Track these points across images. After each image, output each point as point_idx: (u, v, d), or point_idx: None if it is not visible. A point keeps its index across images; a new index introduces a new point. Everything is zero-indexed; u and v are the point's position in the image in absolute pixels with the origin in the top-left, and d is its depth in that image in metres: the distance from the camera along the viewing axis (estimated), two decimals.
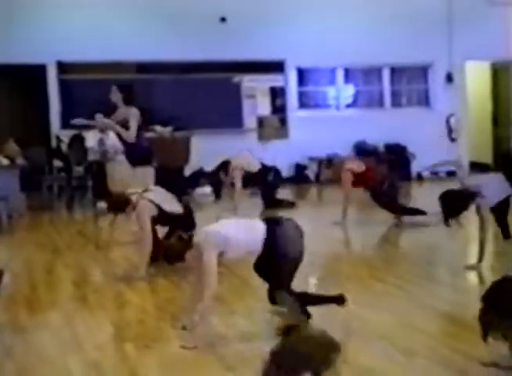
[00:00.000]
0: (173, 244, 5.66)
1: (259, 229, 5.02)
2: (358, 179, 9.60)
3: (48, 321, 5.67)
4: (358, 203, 12.73)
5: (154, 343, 4.97)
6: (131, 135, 8.83)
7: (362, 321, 5.17)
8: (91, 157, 12.36)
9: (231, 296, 6.18)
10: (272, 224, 5.08)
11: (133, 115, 8.85)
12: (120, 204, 7.23)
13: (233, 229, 5.03)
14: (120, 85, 9.17)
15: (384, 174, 9.74)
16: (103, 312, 5.87)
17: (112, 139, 12.49)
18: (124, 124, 8.85)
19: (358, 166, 9.68)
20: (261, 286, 6.58)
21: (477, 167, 16.90)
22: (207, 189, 13.60)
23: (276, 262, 5.00)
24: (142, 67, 14.64)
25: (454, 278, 6.79)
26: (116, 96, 9.04)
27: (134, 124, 8.80)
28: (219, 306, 5.81)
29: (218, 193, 13.46)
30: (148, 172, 9.03)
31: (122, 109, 8.97)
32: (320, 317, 5.42)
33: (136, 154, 8.99)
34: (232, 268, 7.07)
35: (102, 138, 12.42)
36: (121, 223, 10.91)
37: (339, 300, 5.16)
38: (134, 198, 7.17)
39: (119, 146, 12.37)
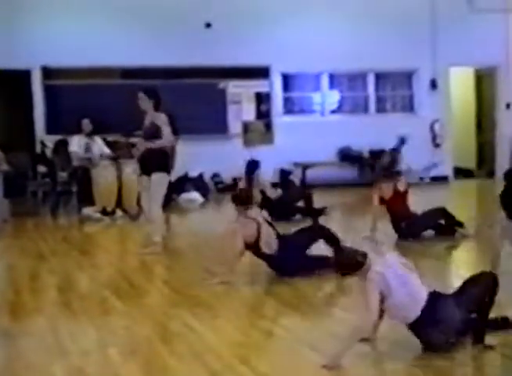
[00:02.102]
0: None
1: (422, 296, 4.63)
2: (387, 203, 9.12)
3: (32, 327, 5.65)
4: (347, 207, 12.79)
5: (139, 349, 4.97)
6: (168, 138, 8.62)
7: (346, 325, 5.17)
8: (75, 162, 12.32)
9: (215, 301, 6.19)
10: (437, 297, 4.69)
11: (163, 121, 8.63)
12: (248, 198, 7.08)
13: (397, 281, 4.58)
14: (146, 91, 8.82)
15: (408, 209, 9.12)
16: (88, 318, 5.86)
17: (98, 144, 12.49)
18: (153, 130, 8.62)
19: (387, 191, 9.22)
20: (245, 291, 6.60)
21: (460, 172, 17.01)
22: (193, 195, 13.61)
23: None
24: (127, 73, 14.63)
25: (439, 282, 6.80)
26: (145, 103, 8.72)
27: (167, 129, 8.59)
28: (203, 311, 5.82)
29: (205, 197, 13.62)
30: (166, 178, 8.77)
31: (149, 115, 8.73)
32: (306, 322, 5.43)
33: (156, 160, 8.67)
34: (215, 273, 7.08)
35: (88, 143, 12.39)
36: (108, 229, 10.94)
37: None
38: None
39: (105, 151, 12.40)
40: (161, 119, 8.64)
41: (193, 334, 5.21)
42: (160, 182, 8.58)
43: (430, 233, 8.95)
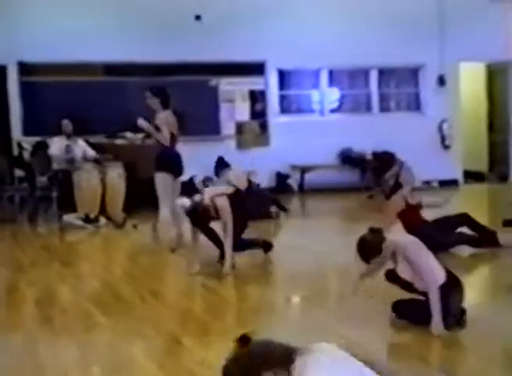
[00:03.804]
0: None
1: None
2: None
3: (8, 344, 5.64)
4: (348, 213, 12.81)
5: (124, 368, 4.95)
6: (163, 138, 9.24)
7: (347, 340, 5.17)
8: (56, 165, 12.31)
9: (208, 315, 6.19)
10: None
11: (161, 120, 9.24)
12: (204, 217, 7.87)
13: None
14: (152, 89, 9.51)
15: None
16: (69, 334, 5.85)
17: (80, 145, 12.48)
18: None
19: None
20: (241, 305, 6.60)
21: (471, 176, 17.03)
22: (183, 201, 13.56)
23: None
24: (111, 69, 14.60)
25: None
26: (153, 102, 9.36)
27: (163, 129, 9.20)
28: (194, 326, 5.82)
29: None
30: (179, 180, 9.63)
31: (160, 114, 9.32)
32: (303, 333, 5.42)
33: (168, 160, 9.37)
34: (212, 287, 7.08)
35: (69, 144, 12.38)
36: (91, 238, 10.94)
37: None
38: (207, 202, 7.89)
39: (89, 152, 12.41)
40: (160, 118, 9.24)
41: (184, 351, 5.21)
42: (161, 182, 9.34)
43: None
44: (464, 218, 8.98)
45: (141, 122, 9.41)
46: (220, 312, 6.37)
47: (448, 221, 8.98)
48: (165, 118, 9.26)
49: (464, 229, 8.89)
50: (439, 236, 8.42)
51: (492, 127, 17.57)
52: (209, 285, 7.20)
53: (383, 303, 5.95)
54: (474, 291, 7.08)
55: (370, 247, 5.68)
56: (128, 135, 13.09)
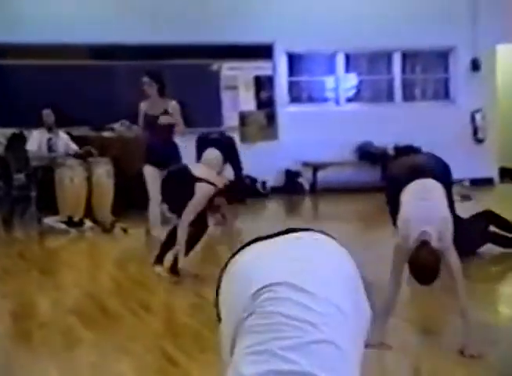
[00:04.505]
0: None
1: None
2: None
3: None
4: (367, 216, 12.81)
5: None
6: (181, 129, 9.94)
7: None
8: (34, 161, 12.32)
9: (206, 330, 6.18)
10: None
11: (175, 109, 9.89)
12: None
13: None
14: (150, 74, 10.02)
15: None
16: (49, 352, 5.86)
17: (63, 139, 12.50)
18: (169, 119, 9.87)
19: None
20: None
21: (508, 174, 16.98)
22: None
23: None
24: (97, 52, 14.60)
25: None
26: (151, 89, 9.87)
27: (180, 118, 9.89)
28: (190, 343, 5.83)
29: None
30: None
31: (159, 101, 9.89)
32: None
33: (167, 153, 9.85)
34: (211, 298, 7.08)
35: (50, 138, 12.40)
36: (75, 243, 10.97)
37: None
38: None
39: (72, 147, 12.43)
40: (174, 107, 9.89)
41: (178, 371, 5.22)
42: None
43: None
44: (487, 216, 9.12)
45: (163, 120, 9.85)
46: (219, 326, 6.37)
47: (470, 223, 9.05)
48: (176, 106, 9.85)
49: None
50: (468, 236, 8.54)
51: None
52: (208, 296, 7.20)
53: (402, 320, 5.97)
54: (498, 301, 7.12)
55: (426, 265, 5.25)
56: (116, 126, 13.11)
